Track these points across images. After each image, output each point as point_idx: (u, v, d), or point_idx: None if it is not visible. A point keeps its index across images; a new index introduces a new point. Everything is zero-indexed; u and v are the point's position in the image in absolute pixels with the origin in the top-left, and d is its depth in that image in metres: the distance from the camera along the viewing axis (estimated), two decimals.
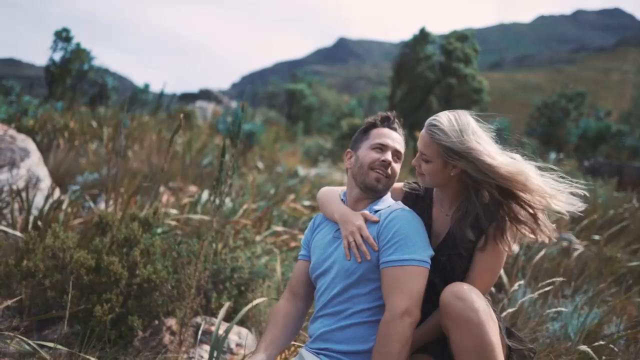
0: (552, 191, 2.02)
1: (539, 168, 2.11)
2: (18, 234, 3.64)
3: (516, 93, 76.98)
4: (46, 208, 4.15)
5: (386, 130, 2.28)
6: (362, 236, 2.11)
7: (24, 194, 4.37)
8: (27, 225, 3.89)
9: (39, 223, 3.87)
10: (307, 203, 6.52)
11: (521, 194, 2.01)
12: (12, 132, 5.65)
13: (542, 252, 4.76)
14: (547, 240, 2.07)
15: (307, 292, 2.35)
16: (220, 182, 3.01)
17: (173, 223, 4.27)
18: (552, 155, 14.93)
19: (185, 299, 2.90)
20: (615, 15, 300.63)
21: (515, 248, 4.54)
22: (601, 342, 3.04)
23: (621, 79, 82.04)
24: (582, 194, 2.08)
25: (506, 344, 2.07)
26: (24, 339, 2.36)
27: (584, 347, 2.83)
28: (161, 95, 15.95)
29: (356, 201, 2.27)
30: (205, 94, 31.96)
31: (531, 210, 2.03)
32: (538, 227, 2.04)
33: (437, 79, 24.81)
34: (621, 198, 8.42)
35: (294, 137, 20.08)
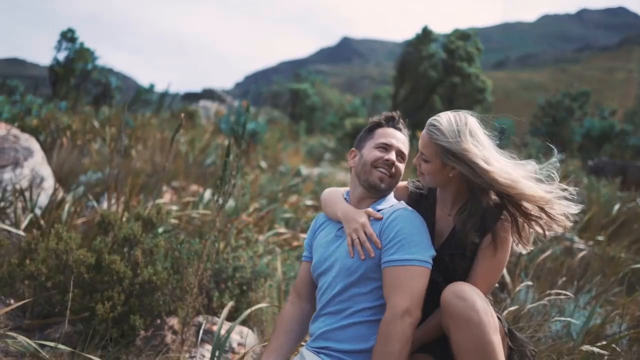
0: (548, 198, 2.00)
1: (538, 165, 2.10)
2: (21, 233, 3.66)
3: (520, 92, 76.79)
4: (49, 207, 4.17)
5: (391, 130, 2.29)
6: (365, 233, 2.11)
7: (27, 193, 4.39)
8: (30, 225, 3.90)
9: (42, 222, 3.89)
10: (309, 203, 6.52)
11: (517, 200, 2.01)
12: (15, 131, 5.67)
13: (545, 253, 4.75)
14: (562, 230, 2.07)
15: (312, 292, 2.35)
16: (224, 182, 3.01)
17: (175, 221, 4.27)
18: (557, 155, 14.86)
19: (187, 299, 2.91)
20: (620, 14, 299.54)
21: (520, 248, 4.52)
22: (604, 342, 3.03)
23: (626, 77, 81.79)
24: (577, 200, 2.07)
25: (507, 344, 2.07)
26: (25, 338, 2.36)
27: (587, 347, 2.83)
28: (165, 94, 15.98)
29: (359, 200, 2.28)
30: (209, 94, 31.99)
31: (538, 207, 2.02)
32: (552, 220, 2.03)
33: (440, 78, 24.78)
34: (625, 197, 8.39)
35: (297, 136, 20.07)
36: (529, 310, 3.68)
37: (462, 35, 25.77)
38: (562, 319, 3.37)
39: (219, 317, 2.88)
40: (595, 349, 2.72)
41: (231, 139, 3.68)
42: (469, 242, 2.06)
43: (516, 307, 3.55)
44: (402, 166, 2.27)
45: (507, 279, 4.19)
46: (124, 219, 3.54)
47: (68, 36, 15.63)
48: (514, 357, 2.09)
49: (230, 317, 3.27)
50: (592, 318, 3.47)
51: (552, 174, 2.10)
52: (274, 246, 4.39)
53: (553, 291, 3.79)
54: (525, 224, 2.06)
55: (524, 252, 2.13)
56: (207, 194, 5.58)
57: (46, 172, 5.30)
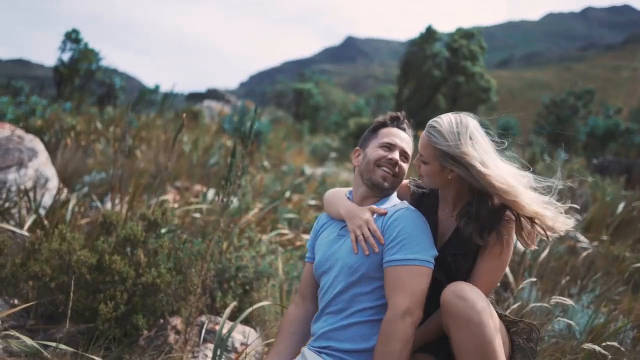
0: (543, 210, 1.99)
1: (535, 174, 2.09)
2: (25, 233, 3.67)
3: (525, 91, 76.62)
4: (53, 208, 4.18)
5: (395, 130, 2.30)
6: (369, 230, 2.11)
7: (31, 194, 4.40)
8: (34, 225, 3.92)
9: (46, 223, 3.90)
10: (312, 202, 6.52)
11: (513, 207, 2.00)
12: (20, 132, 5.69)
13: (547, 251, 4.73)
14: (562, 233, 2.06)
15: (316, 293, 2.35)
16: (229, 182, 3.02)
17: (178, 221, 4.28)
18: (561, 154, 14.83)
19: (190, 299, 2.91)
20: (625, 12, 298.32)
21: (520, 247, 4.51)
22: (608, 343, 3.02)
23: (631, 76, 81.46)
24: (581, 201, 2.07)
25: (509, 343, 2.06)
26: (28, 339, 2.38)
27: (589, 345, 2.82)
28: (169, 95, 16.01)
29: (362, 199, 2.28)
30: (213, 94, 32.04)
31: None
32: (553, 221, 2.03)
33: (444, 77, 24.75)
34: (630, 196, 8.35)
35: (301, 136, 20.08)
36: (532, 310, 3.67)
37: (466, 34, 25.73)
38: (565, 320, 3.35)
39: (221, 317, 2.88)
40: (597, 348, 2.71)
41: (237, 139, 3.70)
42: (471, 242, 2.05)
43: (519, 303, 3.54)
44: (405, 166, 2.27)
45: (511, 278, 4.18)
46: (128, 219, 3.55)
47: (72, 37, 15.69)
48: (516, 357, 2.09)
49: (233, 317, 3.27)
50: (596, 317, 3.47)
51: (551, 186, 2.09)
52: (276, 246, 4.40)
53: (556, 296, 3.77)
54: (528, 224, 2.05)
55: (528, 249, 2.13)
56: (210, 193, 5.58)
57: (50, 172, 5.32)
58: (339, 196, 2.39)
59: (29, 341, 2.41)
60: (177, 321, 3.12)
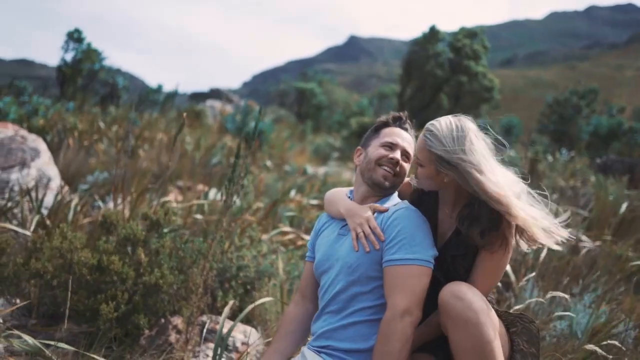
0: (534, 224, 1.96)
1: (530, 193, 2.07)
2: (27, 233, 3.68)
3: (528, 90, 76.46)
4: (55, 207, 4.19)
5: (397, 130, 2.31)
6: (370, 227, 2.11)
7: (33, 194, 4.42)
8: (36, 225, 3.93)
9: (48, 222, 3.91)
10: (314, 202, 6.53)
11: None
12: (23, 132, 5.71)
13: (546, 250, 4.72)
14: (555, 246, 2.04)
15: (316, 292, 2.35)
16: (232, 182, 3.02)
17: (180, 221, 4.29)
18: (564, 153, 14.82)
19: (192, 298, 2.92)
20: (629, 10, 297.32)
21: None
22: (610, 342, 3.02)
23: (635, 75, 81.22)
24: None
25: (509, 344, 2.06)
26: (30, 338, 2.38)
27: (591, 346, 2.81)
28: (173, 95, 16.03)
29: (363, 199, 2.29)
30: (216, 93, 32.08)
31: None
32: (543, 237, 2.01)
33: (447, 77, 24.71)
34: (633, 195, 8.32)
35: (304, 135, 20.08)
36: (534, 310, 3.67)
37: (469, 34, 25.69)
38: (565, 313, 3.35)
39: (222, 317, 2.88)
40: (599, 350, 2.71)
41: (241, 139, 3.69)
42: (471, 243, 2.05)
43: (521, 305, 3.53)
44: (407, 166, 2.27)
45: (512, 277, 4.17)
46: (130, 219, 3.56)
47: (75, 36, 15.72)
48: (516, 357, 2.09)
49: (234, 317, 3.28)
50: (597, 317, 3.46)
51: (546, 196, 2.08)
52: (278, 245, 4.40)
53: (555, 292, 3.76)
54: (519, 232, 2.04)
55: (529, 249, 2.11)
56: (212, 193, 5.59)
57: (53, 172, 5.34)
58: (339, 196, 2.40)
59: (30, 340, 2.42)
60: (178, 321, 3.13)
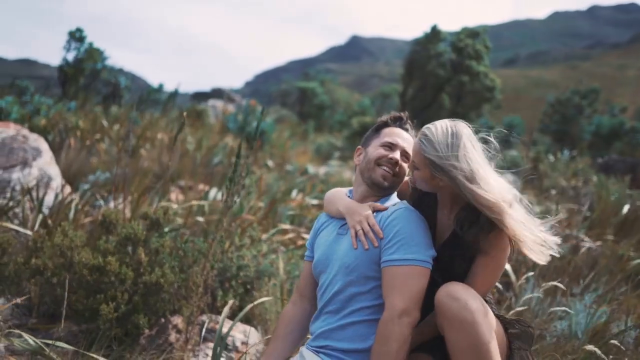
0: (523, 237, 1.96)
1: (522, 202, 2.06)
2: (28, 232, 3.69)
3: (530, 90, 76.39)
4: (56, 207, 4.20)
5: (397, 130, 2.31)
6: (369, 225, 2.11)
7: (34, 193, 4.43)
8: (37, 224, 3.94)
9: (49, 222, 3.92)
10: (314, 202, 6.52)
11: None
12: (25, 131, 5.72)
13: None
14: (543, 263, 2.03)
15: (315, 292, 2.36)
16: (233, 183, 3.03)
17: (180, 221, 4.29)
18: (566, 153, 14.81)
19: (192, 298, 2.93)
20: (632, 10, 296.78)
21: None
22: (612, 341, 3.02)
23: (637, 74, 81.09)
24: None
25: (507, 344, 2.06)
26: (28, 336, 2.39)
27: (590, 347, 2.81)
28: (174, 94, 16.03)
29: (363, 198, 2.29)
30: (218, 93, 32.10)
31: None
32: (530, 250, 2.01)
33: (449, 77, 24.67)
34: (635, 195, 8.31)
35: (306, 135, 20.08)
36: (534, 310, 3.67)
37: (471, 33, 25.64)
38: (561, 308, 3.34)
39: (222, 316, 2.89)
40: (599, 351, 2.70)
41: (242, 139, 3.70)
42: (469, 244, 2.05)
43: (524, 307, 3.53)
44: (406, 166, 2.27)
45: (512, 277, 4.17)
46: (132, 218, 3.57)
47: (76, 36, 15.71)
48: (514, 357, 2.09)
49: (234, 317, 3.28)
50: (598, 317, 3.45)
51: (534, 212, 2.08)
52: (278, 245, 4.41)
53: (558, 295, 3.76)
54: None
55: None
56: (213, 192, 5.60)
57: (54, 171, 5.35)
58: (339, 195, 2.41)
59: (31, 339, 2.43)
60: (178, 320, 3.14)
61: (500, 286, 4.22)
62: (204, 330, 2.99)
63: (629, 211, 6.90)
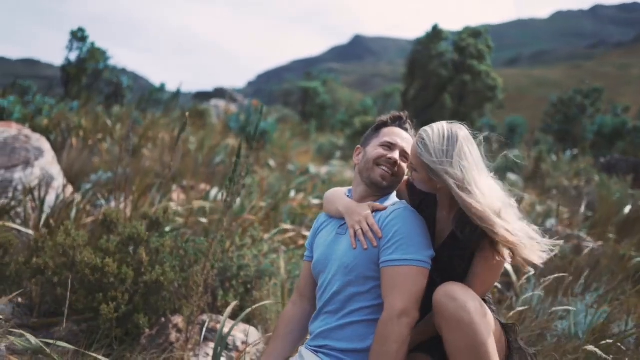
0: (514, 244, 1.94)
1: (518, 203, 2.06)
2: (30, 232, 3.70)
3: (534, 89, 76.30)
4: (58, 207, 4.21)
5: (397, 130, 2.31)
6: (368, 224, 2.11)
7: (36, 193, 4.44)
8: (39, 224, 3.95)
9: (51, 221, 3.93)
10: (315, 202, 6.53)
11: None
12: (27, 131, 5.73)
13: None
14: (538, 262, 2.02)
15: (314, 292, 2.36)
16: (233, 182, 3.03)
17: (181, 220, 4.30)
18: (568, 153, 14.78)
19: (192, 297, 2.93)
20: (635, 9, 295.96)
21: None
22: (609, 341, 3.01)
23: None
24: (549, 249, 2.02)
25: (505, 344, 2.06)
26: (31, 336, 2.40)
27: (591, 347, 2.81)
28: (177, 94, 16.05)
29: (362, 198, 2.29)
30: (220, 93, 32.12)
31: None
32: (527, 254, 1.99)
33: (451, 76, 24.62)
34: (637, 195, 8.30)
35: (307, 134, 20.08)
36: (534, 309, 3.66)
37: (473, 33, 25.59)
38: (564, 307, 3.34)
39: (223, 316, 2.90)
40: (599, 352, 2.70)
41: (242, 139, 3.71)
42: (468, 244, 2.05)
43: (526, 307, 3.53)
44: (405, 165, 2.27)
45: (513, 277, 4.17)
46: (132, 218, 3.58)
47: (78, 35, 15.75)
48: (514, 357, 2.09)
49: (235, 316, 3.29)
50: (598, 317, 3.45)
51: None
52: (279, 244, 4.41)
53: (559, 295, 3.75)
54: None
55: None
56: (214, 192, 5.60)
57: (56, 171, 5.36)
58: (338, 195, 2.41)
59: (32, 339, 2.44)
60: (178, 320, 3.14)
61: (499, 286, 4.22)
62: (204, 329, 2.99)
63: (630, 211, 6.90)
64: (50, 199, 4.62)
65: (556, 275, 3.44)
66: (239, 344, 3.08)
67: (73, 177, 6.17)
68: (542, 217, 6.78)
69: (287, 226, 4.91)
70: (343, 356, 2.05)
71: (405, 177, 2.38)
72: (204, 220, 4.67)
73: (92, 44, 16.02)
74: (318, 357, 2.07)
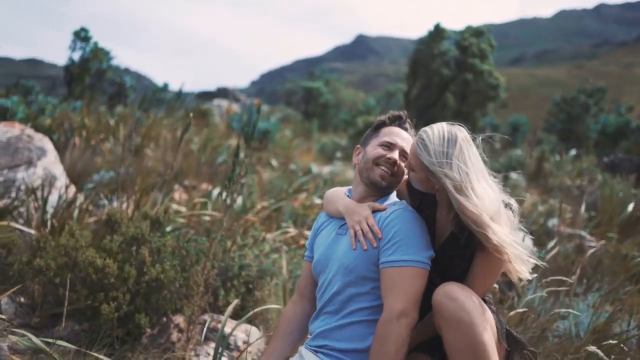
0: (505, 252, 1.93)
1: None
2: (33, 232, 3.71)
3: (537, 88, 76.10)
4: (60, 206, 4.22)
5: (396, 130, 2.31)
6: (368, 225, 2.11)
7: (39, 193, 4.45)
8: (42, 224, 3.96)
9: (53, 221, 3.94)
10: (318, 201, 6.53)
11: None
12: (29, 131, 5.74)
13: (555, 250, 4.71)
14: (524, 277, 2.02)
15: (315, 292, 2.36)
16: (232, 181, 3.03)
17: (183, 221, 4.31)
18: (572, 152, 14.75)
19: (193, 297, 2.94)
20: (639, 8, 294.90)
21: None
22: (611, 342, 3.01)
23: None
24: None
25: (504, 345, 2.06)
26: (29, 335, 2.41)
27: (592, 348, 2.80)
28: (181, 94, 16.08)
29: (361, 198, 2.29)
30: (223, 92, 32.13)
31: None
32: (513, 266, 2.00)
33: (453, 76, 24.56)
34: None
35: (310, 134, 20.09)
36: (536, 309, 3.66)
37: (476, 32, 25.51)
38: (565, 309, 3.33)
39: (224, 316, 2.90)
40: (600, 352, 2.69)
41: (241, 138, 3.71)
42: (467, 244, 2.04)
43: (525, 309, 3.52)
44: (405, 165, 2.27)
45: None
46: (134, 218, 3.58)
47: (81, 35, 15.80)
48: (513, 357, 2.09)
49: (236, 315, 3.29)
50: (600, 316, 3.44)
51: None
52: (281, 244, 4.41)
53: (562, 296, 3.74)
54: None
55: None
56: (216, 192, 5.61)
57: (59, 171, 5.37)
58: (338, 194, 2.41)
59: (34, 339, 2.45)
60: (179, 319, 3.15)
61: (498, 286, 4.21)
62: (205, 329, 3.00)
63: (633, 210, 6.87)
64: (52, 199, 4.62)
65: (558, 278, 3.42)
66: (240, 343, 3.08)
67: (76, 177, 6.18)
68: (544, 217, 6.77)
69: (290, 229, 4.90)
70: (343, 356, 2.05)
71: (405, 177, 2.38)
72: (207, 217, 4.67)
73: (95, 43, 16.06)
74: (318, 357, 2.07)
